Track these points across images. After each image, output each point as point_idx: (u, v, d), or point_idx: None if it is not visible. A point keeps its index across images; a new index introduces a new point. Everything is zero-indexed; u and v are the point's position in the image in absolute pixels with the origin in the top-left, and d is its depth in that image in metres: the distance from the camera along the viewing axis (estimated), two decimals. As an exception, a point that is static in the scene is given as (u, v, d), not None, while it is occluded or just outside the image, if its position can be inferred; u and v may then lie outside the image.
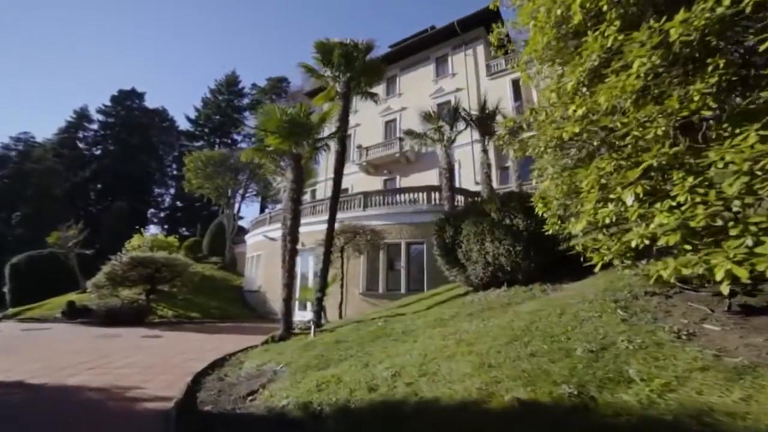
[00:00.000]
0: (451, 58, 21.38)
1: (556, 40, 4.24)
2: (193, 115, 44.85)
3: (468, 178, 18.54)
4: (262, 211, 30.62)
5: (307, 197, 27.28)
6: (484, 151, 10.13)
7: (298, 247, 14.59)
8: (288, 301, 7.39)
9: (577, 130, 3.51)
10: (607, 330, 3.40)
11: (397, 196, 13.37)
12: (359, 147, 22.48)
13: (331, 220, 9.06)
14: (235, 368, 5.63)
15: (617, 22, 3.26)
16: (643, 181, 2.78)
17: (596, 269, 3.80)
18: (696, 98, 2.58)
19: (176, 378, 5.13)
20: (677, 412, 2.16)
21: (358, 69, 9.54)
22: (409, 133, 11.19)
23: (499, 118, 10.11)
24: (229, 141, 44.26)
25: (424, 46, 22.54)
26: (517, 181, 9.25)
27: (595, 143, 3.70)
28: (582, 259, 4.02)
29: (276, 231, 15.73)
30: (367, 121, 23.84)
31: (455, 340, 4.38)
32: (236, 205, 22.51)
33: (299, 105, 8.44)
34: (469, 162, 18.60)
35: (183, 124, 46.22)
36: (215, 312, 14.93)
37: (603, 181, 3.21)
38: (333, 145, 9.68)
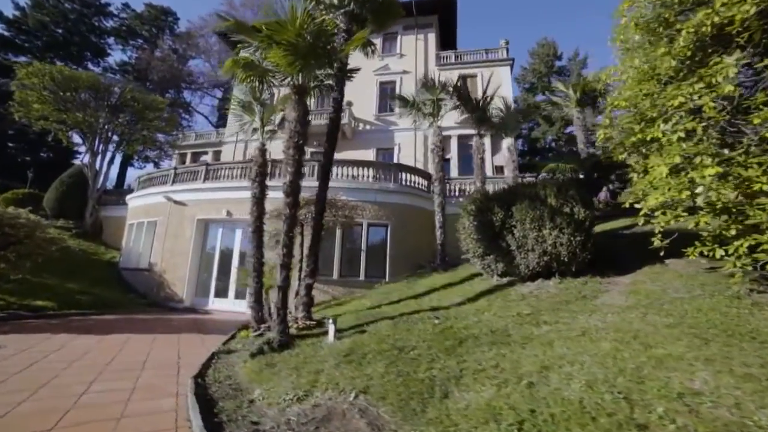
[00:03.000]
0: (401, 38, 20.37)
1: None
2: (11, 13, 30.90)
3: (407, 161, 18.04)
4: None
5: (207, 158, 22.28)
6: (480, 135, 9.59)
7: (226, 217, 11.40)
8: (285, 289, 5.20)
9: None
10: None
11: (362, 169, 11.70)
12: (283, 111, 19.32)
13: (324, 185, 7.02)
14: (255, 414, 3.44)
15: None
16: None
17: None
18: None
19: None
20: None
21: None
22: (401, 98, 9.71)
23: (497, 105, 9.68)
24: (78, 69, 32.41)
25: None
26: (514, 172, 9.07)
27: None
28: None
29: (187, 193, 12.01)
30: (298, 82, 20.71)
31: (614, 341, 3.54)
32: (108, 156, 16.09)
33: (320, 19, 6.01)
34: (410, 146, 18.12)
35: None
36: (82, 299, 10.28)
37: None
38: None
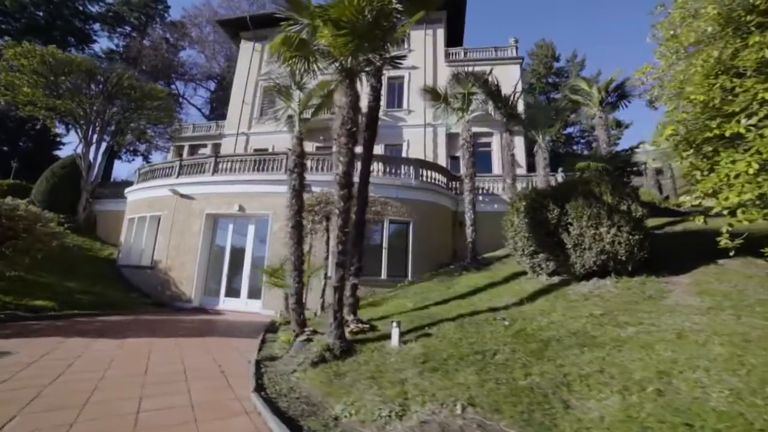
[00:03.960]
0: (409, 33, 19.99)
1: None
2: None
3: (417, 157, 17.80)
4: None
5: (206, 151, 21.41)
6: (510, 132, 9.38)
7: (238, 212, 10.80)
8: (342, 290, 4.80)
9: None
10: None
11: (383, 164, 11.31)
12: (292, 103, 18.69)
13: (365, 178, 6.61)
14: None
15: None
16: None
17: None
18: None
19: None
20: None
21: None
22: (431, 91, 9.36)
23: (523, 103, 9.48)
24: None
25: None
26: (545, 170, 8.88)
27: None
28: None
29: (194, 186, 11.40)
30: (302, 75, 20.09)
31: (725, 345, 3.34)
32: (103, 146, 15.03)
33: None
34: (419, 142, 17.82)
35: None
36: (83, 299, 9.56)
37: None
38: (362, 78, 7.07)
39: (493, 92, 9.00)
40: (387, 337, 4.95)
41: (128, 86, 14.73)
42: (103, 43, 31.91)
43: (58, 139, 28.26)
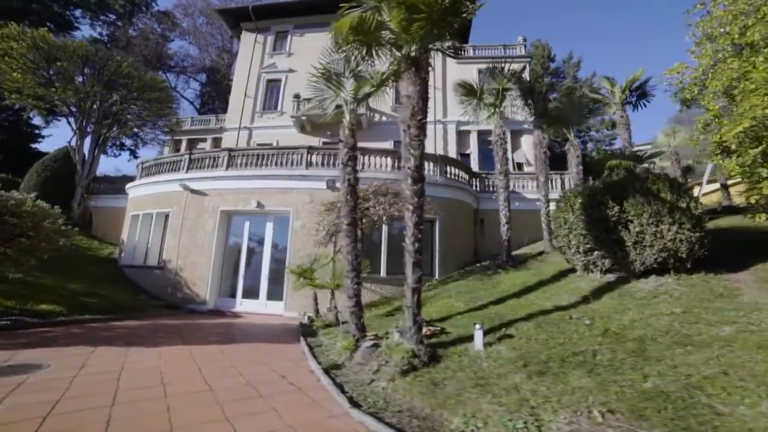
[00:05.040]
0: (416, 28, 19.76)
1: None
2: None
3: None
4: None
5: (205, 146, 20.55)
6: (541, 129, 9.30)
7: (257, 209, 10.27)
8: (419, 291, 4.54)
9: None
10: None
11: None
12: (296, 97, 18.19)
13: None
14: None
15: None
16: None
17: None
18: None
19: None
20: None
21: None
22: (465, 86, 9.13)
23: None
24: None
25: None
26: (578, 167, 8.82)
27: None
28: None
29: (207, 181, 10.85)
30: (305, 69, 19.40)
31: None
32: (99, 138, 14.01)
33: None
34: (430, 139, 17.60)
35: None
36: (91, 302, 8.88)
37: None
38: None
39: (528, 88, 8.90)
40: (461, 339, 4.74)
41: (126, 75, 13.85)
42: (85, 30, 30.00)
43: (37, 131, 26.53)
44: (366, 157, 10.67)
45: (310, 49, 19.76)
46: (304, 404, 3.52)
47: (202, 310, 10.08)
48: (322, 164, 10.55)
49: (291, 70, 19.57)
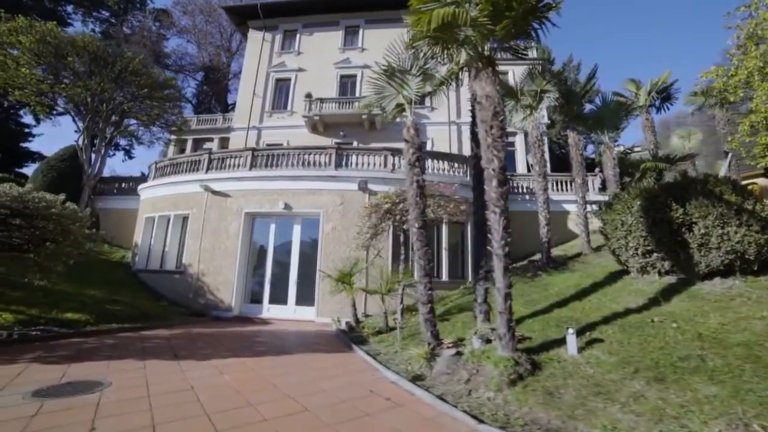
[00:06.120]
0: (427, 29, 19.67)
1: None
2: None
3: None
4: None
5: (212, 145, 19.99)
6: (577, 130, 9.29)
7: (284, 211, 9.93)
8: (510, 296, 4.34)
9: None
10: None
11: (439, 162, 10.90)
12: (308, 97, 17.86)
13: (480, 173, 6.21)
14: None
15: None
16: None
17: None
18: None
19: None
20: None
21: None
22: (504, 86, 9.05)
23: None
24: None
25: (399, 5, 19.85)
26: (614, 170, 8.82)
27: None
28: None
29: (229, 182, 10.52)
30: (315, 68, 19.30)
31: None
32: (104, 138, 13.37)
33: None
34: (444, 140, 17.56)
35: None
36: (115, 310, 8.41)
37: None
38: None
39: (567, 90, 8.87)
40: (547, 344, 4.59)
41: (136, 71, 13.30)
42: (77, 27, 28.97)
43: (27, 130, 25.41)
44: (396, 158, 10.49)
45: (320, 49, 19.56)
46: (421, 422, 3.28)
47: (227, 316, 9.70)
48: (354, 165, 10.32)
49: (301, 69, 19.24)
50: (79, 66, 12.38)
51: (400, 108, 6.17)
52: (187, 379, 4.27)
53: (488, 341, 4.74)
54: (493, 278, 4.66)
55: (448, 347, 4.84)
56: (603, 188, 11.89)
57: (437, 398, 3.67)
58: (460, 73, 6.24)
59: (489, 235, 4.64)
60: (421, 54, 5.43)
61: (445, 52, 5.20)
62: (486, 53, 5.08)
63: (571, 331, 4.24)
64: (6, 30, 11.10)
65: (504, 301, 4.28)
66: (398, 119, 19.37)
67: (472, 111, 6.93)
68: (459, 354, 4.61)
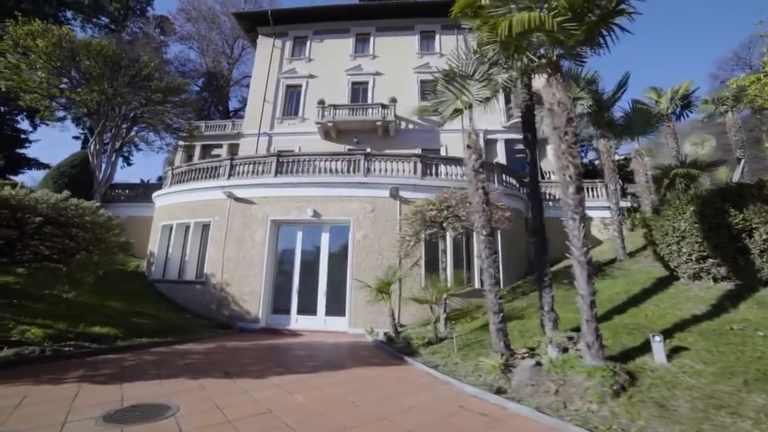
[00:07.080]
0: (440, 37, 19.83)
1: None
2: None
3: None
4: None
5: (221, 152, 19.62)
6: (607, 138, 9.34)
7: (312, 218, 9.68)
8: (595, 304, 4.20)
9: None
10: None
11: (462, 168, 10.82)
12: (320, 103, 17.74)
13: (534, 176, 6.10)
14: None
15: None
16: None
17: None
18: None
19: None
20: None
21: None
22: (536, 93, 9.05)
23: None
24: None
25: (408, 14, 20.04)
26: (646, 176, 8.86)
27: None
28: None
29: (254, 188, 10.30)
30: (326, 75, 19.24)
31: None
32: (118, 142, 12.98)
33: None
34: (459, 147, 17.46)
35: None
36: (142, 323, 8.04)
37: None
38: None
39: (599, 97, 8.92)
40: (627, 353, 4.45)
41: (149, 77, 13.02)
42: (76, 33, 28.34)
43: (24, 137, 24.67)
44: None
45: (331, 55, 19.54)
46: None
47: (254, 328, 9.37)
48: (383, 171, 10.18)
49: (311, 76, 19.15)
50: (94, 69, 12.06)
51: (457, 113, 6.05)
52: (257, 401, 3.99)
53: (565, 350, 4.60)
54: (542, 286, 4.53)
55: (524, 357, 4.67)
56: (623, 194, 11.95)
57: (537, 411, 3.50)
58: (521, 78, 6.18)
59: (567, 242, 4.51)
60: (486, 59, 5.35)
61: (513, 58, 5.12)
62: (554, 59, 5.02)
63: (658, 338, 4.12)
64: (23, 33, 10.75)
65: (590, 309, 4.15)
66: (410, 126, 19.31)
67: (523, 116, 6.93)
68: (539, 364, 4.44)
